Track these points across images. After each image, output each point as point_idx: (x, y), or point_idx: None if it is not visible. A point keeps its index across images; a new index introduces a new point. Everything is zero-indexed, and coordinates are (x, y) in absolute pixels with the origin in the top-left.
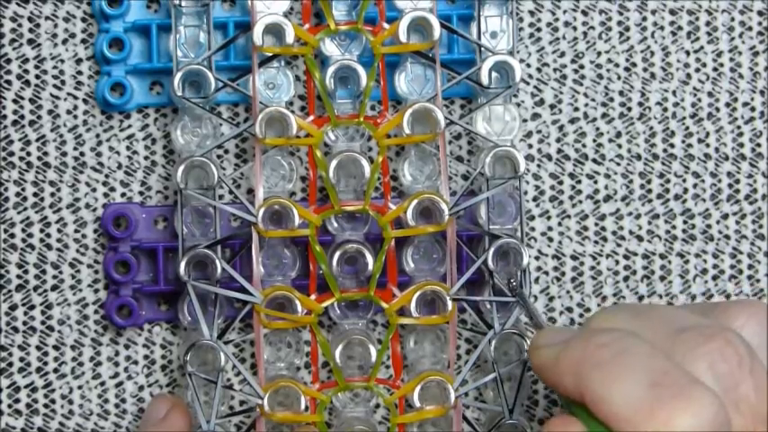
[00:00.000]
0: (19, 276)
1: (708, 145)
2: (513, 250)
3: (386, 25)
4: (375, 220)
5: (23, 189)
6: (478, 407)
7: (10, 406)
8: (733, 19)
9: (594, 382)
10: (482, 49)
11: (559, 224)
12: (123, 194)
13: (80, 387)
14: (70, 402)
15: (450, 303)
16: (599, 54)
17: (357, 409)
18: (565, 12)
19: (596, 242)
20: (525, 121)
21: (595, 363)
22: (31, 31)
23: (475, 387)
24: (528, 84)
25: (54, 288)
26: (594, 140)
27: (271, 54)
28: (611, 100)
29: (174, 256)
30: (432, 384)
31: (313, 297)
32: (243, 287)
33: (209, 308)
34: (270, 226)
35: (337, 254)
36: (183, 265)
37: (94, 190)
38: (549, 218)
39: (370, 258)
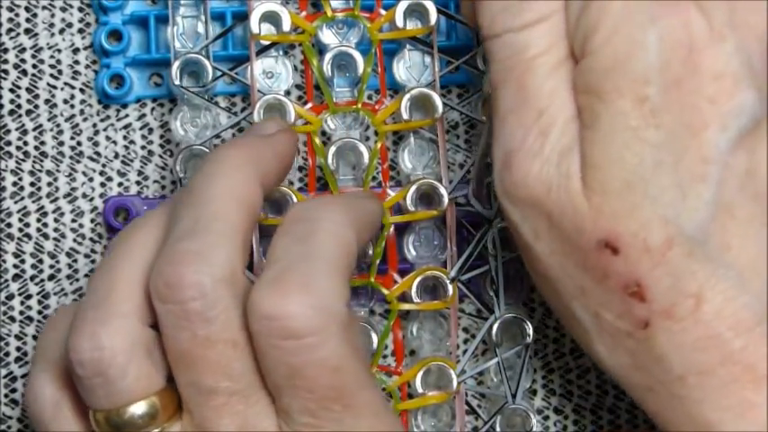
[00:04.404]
0: (16, 266)
1: None
2: None
3: (383, 12)
4: None
5: (20, 179)
6: (481, 392)
7: (6, 396)
8: None
9: None
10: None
11: None
12: (120, 184)
13: None
14: None
15: (450, 287)
16: None
17: None
18: None
19: None
20: None
21: None
22: (28, 20)
23: (477, 373)
24: None
25: (51, 278)
26: None
27: (268, 43)
28: None
29: None
30: (434, 370)
31: None
32: None
33: None
34: (270, 214)
35: None
36: None
37: (91, 180)
38: None
39: (370, 244)
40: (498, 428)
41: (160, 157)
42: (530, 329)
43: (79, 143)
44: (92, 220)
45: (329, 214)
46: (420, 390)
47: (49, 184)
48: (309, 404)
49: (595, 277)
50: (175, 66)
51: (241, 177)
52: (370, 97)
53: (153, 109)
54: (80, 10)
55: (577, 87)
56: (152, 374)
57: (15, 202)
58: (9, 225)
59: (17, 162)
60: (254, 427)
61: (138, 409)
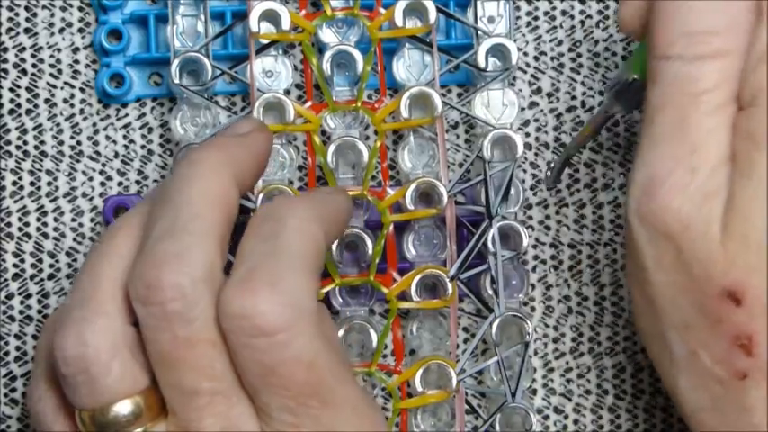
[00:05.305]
0: (15, 265)
1: None
2: (514, 232)
3: (383, 11)
4: (375, 206)
5: (20, 178)
6: (481, 392)
7: (6, 395)
8: None
9: None
10: (479, 33)
11: (557, 213)
12: (120, 184)
13: None
14: None
15: (449, 285)
16: (596, 43)
17: None
18: (562, 0)
19: (594, 231)
20: (523, 109)
21: None
22: (27, 20)
23: (477, 373)
24: (525, 72)
25: (50, 277)
26: None
27: (268, 41)
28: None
29: None
30: (434, 370)
31: None
32: None
33: None
34: None
35: None
36: None
37: (91, 179)
38: (546, 206)
39: (369, 243)
40: (498, 427)
41: (160, 156)
42: (529, 328)
43: (79, 142)
44: (91, 220)
45: (295, 212)
46: (419, 388)
47: (49, 184)
48: (287, 402)
49: (708, 320)
50: (175, 64)
51: (217, 179)
52: (369, 97)
53: (153, 108)
54: (80, 9)
55: (738, 132)
56: (136, 373)
57: (15, 202)
58: (9, 224)
59: (17, 161)
60: (237, 427)
61: (123, 408)
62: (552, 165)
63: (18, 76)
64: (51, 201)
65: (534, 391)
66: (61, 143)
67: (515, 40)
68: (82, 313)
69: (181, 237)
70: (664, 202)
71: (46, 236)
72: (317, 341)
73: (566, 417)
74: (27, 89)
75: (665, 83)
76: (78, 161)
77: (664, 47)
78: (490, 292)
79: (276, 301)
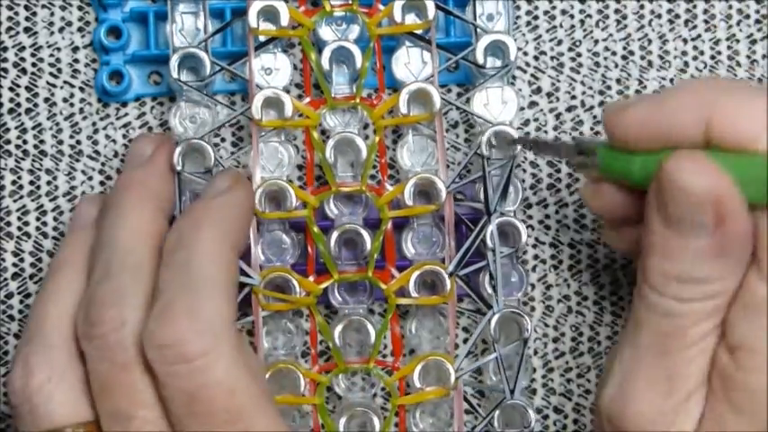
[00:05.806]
0: (15, 265)
1: None
2: (512, 228)
3: (381, 7)
4: (373, 204)
5: (20, 177)
6: (480, 389)
7: (6, 394)
8: (731, 7)
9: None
10: (478, 31)
11: (557, 212)
12: None
13: None
14: None
15: (448, 282)
16: (596, 42)
17: (358, 395)
18: (562, 0)
19: (594, 230)
20: (522, 109)
21: (725, 86)
22: (27, 19)
23: (476, 373)
24: (525, 72)
25: None
26: (592, 129)
27: (267, 38)
28: (609, 88)
29: None
30: (432, 367)
31: (311, 279)
32: (242, 270)
33: None
34: (267, 209)
35: (335, 234)
36: None
37: (90, 178)
38: (546, 206)
39: (368, 239)
40: (496, 424)
41: None
42: (528, 324)
43: (78, 142)
44: None
45: (202, 236)
46: (418, 385)
47: (49, 183)
48: (211, 430)
49: None
50: (174, 59)
51: (142, 218)
52: (369, 96)
53: (152, 108)
54: (79, 8)
55: (718, 369)
56: (79, 405)
57: (14, 201)
58: (8, 224)
59: (16, 161)
60: None
61: None
62: (532, 139)
63: (18, 76)
64: (51, 200)
65: (534, 391)
66: (61, 142)
67: (515, 40)
68: (28, 349)
69: (118, 276)
70: (634, 420)
71: (45, 235)
72: (237, 368)
73: (565, 416)
74: (26, 88)
75: (651, 309)
76: (78, 160)
77: (657, 285)
78: (489, 290)
79: (194, 328)
